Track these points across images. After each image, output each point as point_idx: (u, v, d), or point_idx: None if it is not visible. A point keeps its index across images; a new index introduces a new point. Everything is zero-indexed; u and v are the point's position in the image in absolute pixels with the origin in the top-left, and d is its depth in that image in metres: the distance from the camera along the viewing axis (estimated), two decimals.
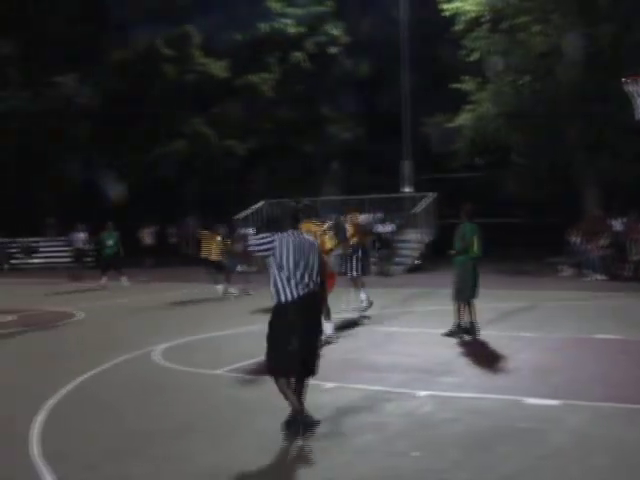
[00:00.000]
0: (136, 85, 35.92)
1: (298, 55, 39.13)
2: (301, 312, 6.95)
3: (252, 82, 37.45)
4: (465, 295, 12.92)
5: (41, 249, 36.78)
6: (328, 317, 12.15)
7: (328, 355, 11.24)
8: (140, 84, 35.85)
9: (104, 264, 25.48)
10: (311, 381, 7.85)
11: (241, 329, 14.01)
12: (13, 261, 35.74)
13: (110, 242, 25.28)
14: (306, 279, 7.03)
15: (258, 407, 8.32)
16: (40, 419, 8.02)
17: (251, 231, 31.60)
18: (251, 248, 7.21)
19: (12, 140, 36.03)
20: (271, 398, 7.44)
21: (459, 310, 12.98)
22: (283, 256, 7.00)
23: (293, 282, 6.97)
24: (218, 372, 10.25)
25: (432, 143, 31.85)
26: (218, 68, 37.34)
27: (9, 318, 16.96)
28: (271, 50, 38.88)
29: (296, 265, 6.98)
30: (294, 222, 7.32)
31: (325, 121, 39.43)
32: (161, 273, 26.92)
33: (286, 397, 7.13)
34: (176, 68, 37.04)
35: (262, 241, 7.13)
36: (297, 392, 7.22)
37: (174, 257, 33.26)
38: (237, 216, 32.13)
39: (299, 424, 7.09)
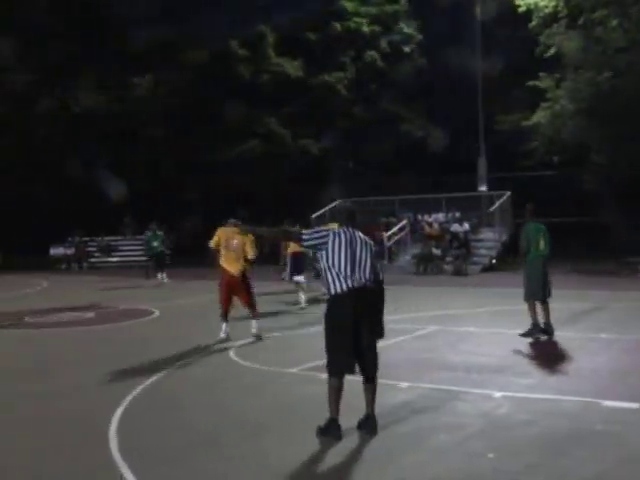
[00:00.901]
0: (211, 86, 36.15)
1: (372, 54, 39.03)
2: (352, 304, 6.97)
3: (326, 81, 37.44)
4: (535, 294, 12.83)
5: (119, 248, 37.22)
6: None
7: (403, 355, 11.41)
8: (215, 85, 36.08)
9: (156, 263, 26.00)
10: (386, 380, 7.87)
11: (316, 328, 13.99)
12: (92, 259, 36.40)
13: (155, 243, 25.81)
14: (357, 274, 7.05)
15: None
16: (118, 415, 8.12)
17: None
18: (303, 241, 7.19)
19: (91, 142, 36.37)
20: (345, 397, 7.36)
21: (533, 310, 12.82)
22: (335, 251, 7.06)
23: (342, 276, 7.02)
24: (293, 370, 10.24)
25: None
26: (292, 68, 37.47)
27: (88, 315, 17.30)
28: (345, 49, 38.83)
29: (346, 260, 7.03)
30: (349, 220, 7.36)
31: (399, 120, 39.26)
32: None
33: (329, 398, 7.15)
34: (250, 68, 37.22)
35: (315, 235, 7.21)
36: (367, 392, 7.26)
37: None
38: (312, 215, 32.19)
39: (371, 423, 7.18)
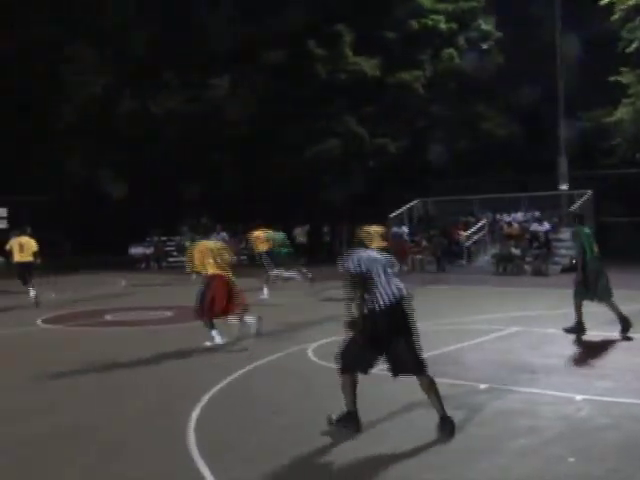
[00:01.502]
0: (289, 85, 36.37)
1: (450, 51, 38.81)
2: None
3: (404, 80, 37.34)
4: (587, 295, 13.17)
5: None
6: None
7: (482, 356, 11.31)
8: (293, 84, 36.29)
9: None
10: (465, 382, 8.11)
11: None
12: (170, 259, 36.91)
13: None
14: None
15: (414, 404, 8.15)
16: (196, 413, 8.24)
17: (405, 229, 31.73)
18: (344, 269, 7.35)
19: (170, 143, 37.20)
20: (425, 396, 7.42)
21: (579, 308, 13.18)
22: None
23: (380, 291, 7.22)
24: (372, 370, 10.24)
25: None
26: (369, 66, 37.40)
27: (167, 314, 17.53)
28: (423, 47, 38.65)
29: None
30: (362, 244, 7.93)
31: (478, 118, 38.98)
32: (314, 272, 27.12)
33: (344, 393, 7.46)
34: (327, 67, 37.29)
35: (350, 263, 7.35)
36: (426, 391, 7.37)
37: (327, 256, 33.44)
38: (391, 215, 32.22)
39: (446, 426, 7.22)
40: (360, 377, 7.47)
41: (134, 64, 37.20)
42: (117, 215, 38.88)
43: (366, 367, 7.33)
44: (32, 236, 20.36)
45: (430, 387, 7.30)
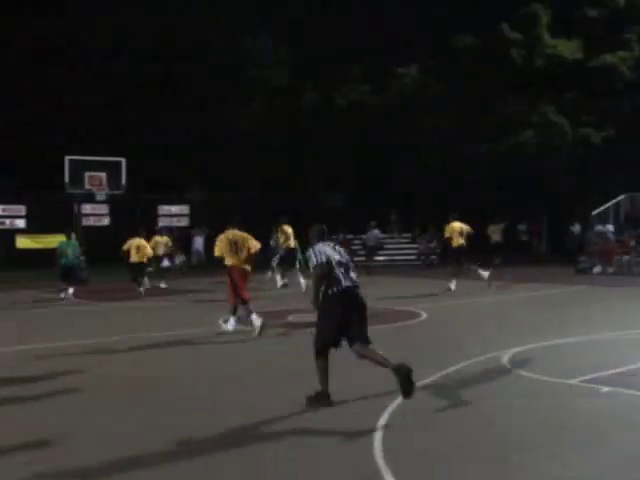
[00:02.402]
0: (481, 72, 34.95)
1: None
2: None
3: (608, 62, 34.92)
4: None
5: (386, 247, 36.94)
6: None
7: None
8: (486, 70, 34.83)
9: None
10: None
11: (598, 335, 13.28)
12: (356, 259, 35.93)
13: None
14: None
15: (615, 422, 7.75)
16: (382, 422, 7.94)
17: (610, 228, 29.61)
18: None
19: (352, 135, 37.01)
20: (626, 413, 7.44)
21: None
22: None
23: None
24: (572, 382, 9.59)
25: None
26: (569, 49, 35.32)
27: None
28: (629, 25, 36.05)
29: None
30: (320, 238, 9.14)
31: None
32: (511, 273, 25.83)
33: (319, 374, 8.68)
34: (522, 52, 35.56)
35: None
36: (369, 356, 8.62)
37: (524, 256, 32.43)
38: (594, 212, 30.33)
39: (403, 369, 8.16)
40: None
41: (317, 55, 37.14)
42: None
43: (336, 342, 8.62)
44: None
45: (372, 352, 8.56)
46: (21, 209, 34.47)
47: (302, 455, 6.99)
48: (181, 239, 34.29)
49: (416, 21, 35.50)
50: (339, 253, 8.80)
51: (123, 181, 30.80)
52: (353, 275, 8.72)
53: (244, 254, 14.48)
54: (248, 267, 14.64)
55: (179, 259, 32.69)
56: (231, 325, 14.52)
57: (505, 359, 11.18)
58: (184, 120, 37.38)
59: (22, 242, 33.91)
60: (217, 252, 14.66)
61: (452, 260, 22.86)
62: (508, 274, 25.49)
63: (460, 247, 21.98)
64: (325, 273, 8.50)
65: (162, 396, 9.43)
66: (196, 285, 25.96)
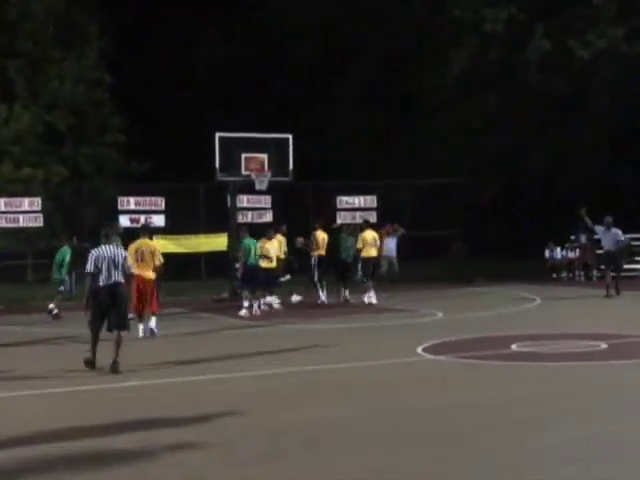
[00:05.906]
0: None
1: None
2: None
3: None
4: None
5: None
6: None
7: None
8: None
9: None
10: None
11: None
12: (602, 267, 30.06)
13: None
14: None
15: None
16: None
17: None
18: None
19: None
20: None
21: None
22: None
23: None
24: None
25: None
26: None
27: (600, 346, 14.42)
28: None
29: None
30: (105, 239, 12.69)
31: None
32: None
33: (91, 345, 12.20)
34: None
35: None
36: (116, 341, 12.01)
37: None
38: None
39: (115, 364, 11.70)
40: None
41: None
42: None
43: (100, 325, 12.15)
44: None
45: (119, 339, 11.89)
46: (159, 202, 28.79)
47: None
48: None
49: None
50: None
51: (290, 165, 26.54)
52: None
53: (151, 264, 16.04)
54: (152, 275, 16.05)
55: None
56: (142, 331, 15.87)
57: None
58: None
59: (161, 245, 27.04)
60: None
61: None
62: None
63: None
64: None
65: None
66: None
